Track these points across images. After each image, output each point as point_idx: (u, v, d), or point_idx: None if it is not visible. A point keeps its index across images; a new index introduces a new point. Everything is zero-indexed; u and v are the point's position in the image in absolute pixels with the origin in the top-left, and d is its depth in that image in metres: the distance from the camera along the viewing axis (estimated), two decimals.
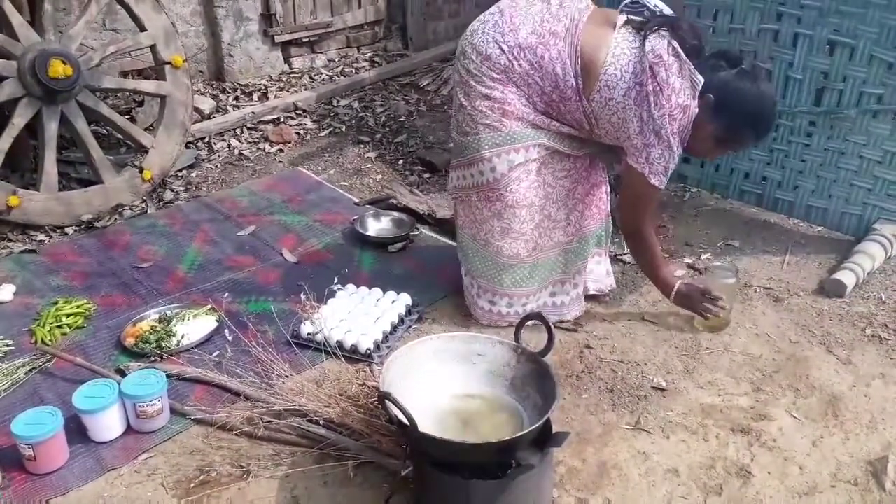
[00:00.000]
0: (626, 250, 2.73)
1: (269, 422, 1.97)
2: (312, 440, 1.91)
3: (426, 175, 3.67)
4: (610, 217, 2.55)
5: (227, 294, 2.58)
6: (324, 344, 2.26)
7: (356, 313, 2.42)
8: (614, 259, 2.76)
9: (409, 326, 2.45)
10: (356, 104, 4.53)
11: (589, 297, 2.56)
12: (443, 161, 3.61)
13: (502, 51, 2.16)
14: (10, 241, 3.09)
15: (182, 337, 2.36)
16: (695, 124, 2.13)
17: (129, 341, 2.34)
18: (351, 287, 2.57)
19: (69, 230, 3.19)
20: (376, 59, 5.16)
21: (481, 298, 2.43)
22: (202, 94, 4.43)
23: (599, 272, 2.58)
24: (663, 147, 2.11)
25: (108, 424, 1.97)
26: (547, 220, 2.34)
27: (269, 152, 3.97)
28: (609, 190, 2.52)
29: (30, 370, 2.24)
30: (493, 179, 2.26)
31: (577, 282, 2.47)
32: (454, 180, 2.41)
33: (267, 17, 4.65)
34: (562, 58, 2.13)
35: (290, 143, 4.07)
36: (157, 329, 2.39)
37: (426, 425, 1.64)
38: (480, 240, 2.37)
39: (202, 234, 3.10)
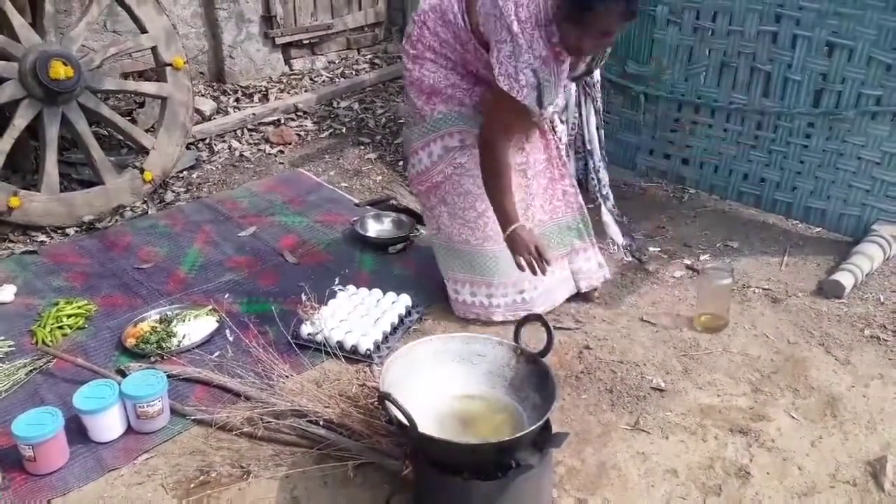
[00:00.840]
0: (641, 252, 2.75)
1: (269, 422, 1.97)
2: (312, 441, 1.92)
3: None
4: (584, 210, 2.54)
5: (227, 295, 2.58)
6: (324, 344, 2.27)
7: (356, 314, 2.42)
8: (633, 261, 2.77)
9: (409, 327, 2.46)
10: (356, 106, 4.53)
11: (583, 296, 2.57)
12: None
13: (414, 21, 2.27)
14: (11, 241, 3.09)
15: (183, 337, 2.37)
16: (556, 16, 2.01)
17: (130, 342, 2.35)
18: (351, 288, 2.58)
19: (70, 231, 3.19)
20: (376, 60, 5.17)
21: (449, 287, 2.48)
22: (203, 95, 4.44)
23: (590, 267, 2.57)
24: (513, 44, 2.00)
25: (108, 425, 1.97)
26: (490, 210, 2.28)
27: (270, 153, 3.98)
28: (575, 183, 2.52)
29: (30, 371, 2.25)
30: (424, 169, 2.39)
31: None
32: (408, 171, 2.53)
33: (267, 19, 4.66)
34: (451, 2, 2.18)
35: (290, 144, 4.08)
36: (158, 330, 2.39)
37: (426, 426, 1.64)
38: (434, 227, 2.45)
39: (203, 235, 3.10)
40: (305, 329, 2.34)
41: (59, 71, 2.99)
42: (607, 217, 2.75)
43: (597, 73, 2.51)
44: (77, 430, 1.98)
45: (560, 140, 2.46)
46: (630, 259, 2.77)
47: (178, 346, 2.34)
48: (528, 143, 2.38)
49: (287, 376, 2.14)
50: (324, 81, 4.82)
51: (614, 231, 2.76)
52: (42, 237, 3.14)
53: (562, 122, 2.46)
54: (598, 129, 2.69)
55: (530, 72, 2.03)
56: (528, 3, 1.99)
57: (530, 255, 2.13)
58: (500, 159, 2.17)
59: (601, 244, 2.66)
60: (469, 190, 2.33)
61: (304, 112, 4.42)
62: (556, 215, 2.50)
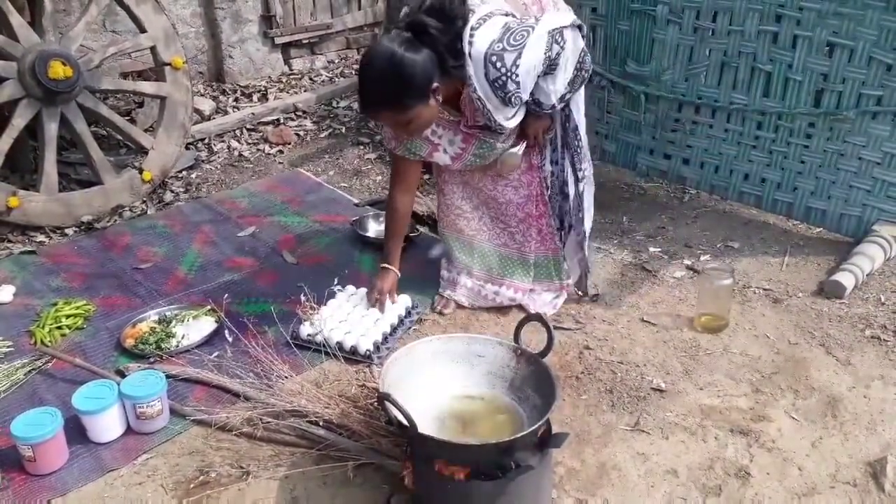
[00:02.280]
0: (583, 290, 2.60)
1: (268, 423, 1.97)
2: (312, 441, 1.91)
3: (426, 176, 3.66)
4: (559, 252, 2.50)
5: (226, 295, 2.58)
6: (323, 345, 2.26)
7: (356, 314, 2.42)
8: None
9: (409, 328, 2.45)
10: (356, 105, 4.53)
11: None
12: None
13: None
14: (9, 241, 3.09)
15: (182, 338, 2.37)
16: None
17: (129, 342, 2.35)
18: (350, 288, 2.58)
19: (69, 231, 3.19)
20: None
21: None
22: (202, 95, 4.44)
23: (543, 301, 2.55)
24: None
25: (107, 425, 1.97)
26: (459, 209, 2.52)
27: (269, 153, 3.97)
28: (554, 224, 2.48)
29: (29, 371, 2.24)
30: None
31: (497, 290, 2.54)
32: None
33: (267, 19, 4.66)
34: None
35: (289, 144, 4.08)
36: (157, 330, 2.39)
37: (426, 426, 1.64)
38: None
39: (202, 235, 3.10)
40: (305, 329, 2.33)
41: (59, 71, 2.99)
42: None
43: (575, 118, 2.38)
44: (76, 431, 1.97)
45: (546, 180, 2.43)
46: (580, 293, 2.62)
47: (178, 346, 2.33)
48: (509, 176, 2.42)
49: (286, 377, 2.13)
50: (323, 81, 4.82)
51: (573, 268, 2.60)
52: (41, 237, 3.14)
53: (553, 162, 2.43)
54: (577, 182, 2.46)
55: (386, 134, 2.36)
56: None
57: (377, 295, 2.44)
58: (389, 203, 2.47)
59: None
60: (441, 188, 2.54)
61: (304, 112, 4.42)
62: (524, 250, 2.52)
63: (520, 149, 2.32)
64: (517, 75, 2.04)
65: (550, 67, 2.10)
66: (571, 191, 2.46)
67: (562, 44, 2.08)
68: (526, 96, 2.12)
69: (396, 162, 2.43)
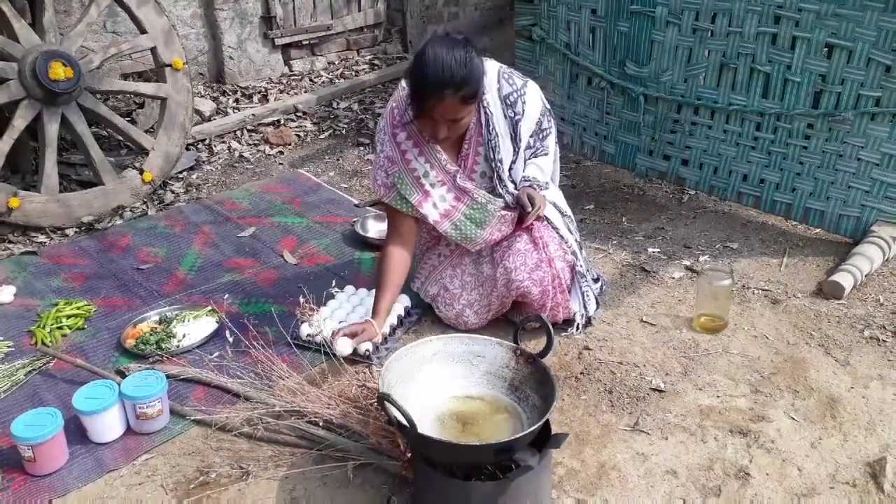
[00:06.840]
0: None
1: (268, 423, 1.97)
2: (312, 441, 1.92)
3: None
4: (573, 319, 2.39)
5: (227, 295, 2.58)
6: (323, 345, 2.27)
7: (356, 315, 2.42)
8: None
9: (409, 328, 2.46)
10: (356, 106, 4.54)
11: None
12: None
13: None
14: (10, 242, 3.09)
15: (182, 338, 2.37)
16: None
17: (129, 342, 2.35)
18: (350, 289, 2.58)
19: (69, 232, 3.19)
20: (376, 61, 5.17)
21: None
22: (202, 96, 4.44)
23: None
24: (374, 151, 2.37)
25: (107, 425, 1.97)
26: (456, 298, 2.39)
27: (269, 154, 3.98)
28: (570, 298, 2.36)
29: (30, 371, 2.25)
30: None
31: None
32: None
33: (267, 20, 4.66)
34: None
35: (289, 145, 4.08)
36: (157, 330, 2.39)
37: (425, 426, 1.64)
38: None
39: (202, 235, 3.10)
40: (305, 330, 2.34)
41: (59, 72, 2.99)
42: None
43: (548, 195, 2.34)
44: (76, 431, 1.98)
45: (573, 255, 2.34)
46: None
47: (178, 346, 2.34)
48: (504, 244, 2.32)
49: (286, 377, 2.13)
50: (323, 82, 4.82)
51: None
52: (41, 238, 3.14)
53: (570, 231, 2.38)
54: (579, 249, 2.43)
55: (382, 172, 2.27)
56: (393, 108, 2.25)
57: (344, 332, 2.20)
58: (383, 254, 2.32)
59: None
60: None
61: (304, 113, 4.42)
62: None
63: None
64: (524, 94, 2.22)
65: (542, 134, 2.29)
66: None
67: (551, 116, 2.32)
68: (526, 135, 2.24)
69: (388, 212, 2.37)
